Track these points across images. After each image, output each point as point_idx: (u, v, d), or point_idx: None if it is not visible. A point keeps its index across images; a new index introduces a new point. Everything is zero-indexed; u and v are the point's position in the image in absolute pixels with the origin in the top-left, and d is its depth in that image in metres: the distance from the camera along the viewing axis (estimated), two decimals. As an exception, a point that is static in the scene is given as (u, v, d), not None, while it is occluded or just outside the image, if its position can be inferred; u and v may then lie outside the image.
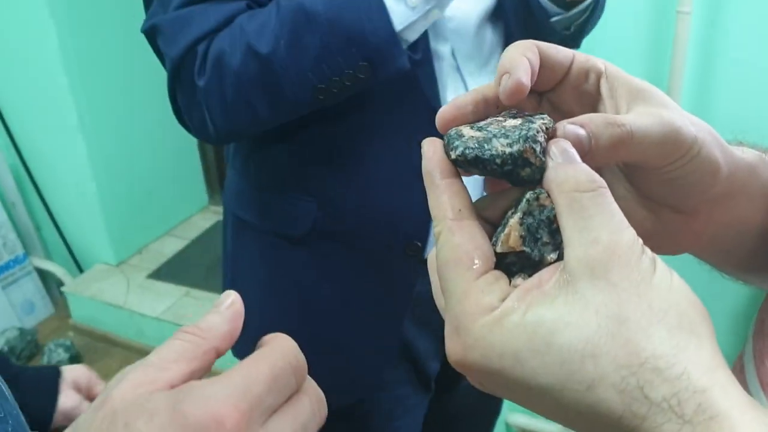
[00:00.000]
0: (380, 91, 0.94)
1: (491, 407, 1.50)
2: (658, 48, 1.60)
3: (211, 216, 3.00)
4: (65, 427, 0.38)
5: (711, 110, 1.61)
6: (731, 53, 1.56)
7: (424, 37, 0.94)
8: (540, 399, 0.30)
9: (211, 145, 0.99)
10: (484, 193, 0.39)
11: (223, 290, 1.22)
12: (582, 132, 0.35)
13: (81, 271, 2.81)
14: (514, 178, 0.35)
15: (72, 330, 2.67)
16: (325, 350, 1.12)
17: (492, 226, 0.36)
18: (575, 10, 1.03)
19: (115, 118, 2.52)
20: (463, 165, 0.35)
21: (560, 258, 0.32)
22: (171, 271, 2.66)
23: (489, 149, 0.34)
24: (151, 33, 0.95)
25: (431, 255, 0.36)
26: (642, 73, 1.63)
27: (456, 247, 0.33)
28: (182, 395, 0.33)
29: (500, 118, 0.37)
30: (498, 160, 0.34)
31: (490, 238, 0.35)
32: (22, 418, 0.46)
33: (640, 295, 0.30)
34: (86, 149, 2.46)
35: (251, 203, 1.13)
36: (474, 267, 0.32)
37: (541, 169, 0.34)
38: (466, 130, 0.36)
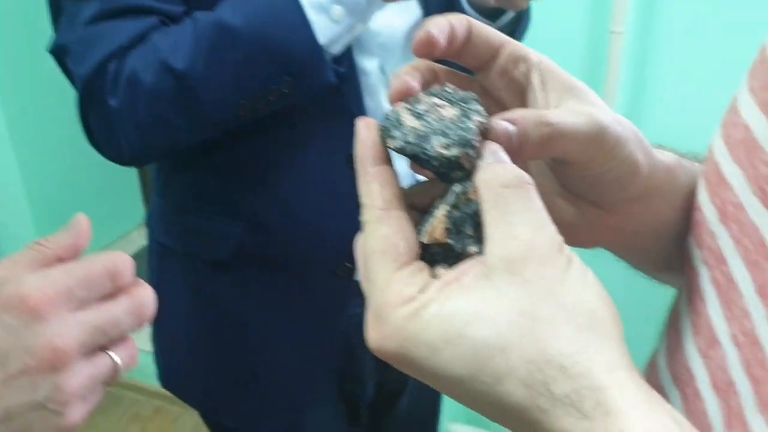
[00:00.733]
0: (304, 107, 0.93)
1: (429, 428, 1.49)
2: (593, 67, 1.63)
3: (149, 232, 2.94)
4: None
5: (643, 126, 1.66)
6: (663, 71, 1.61)
7: (348, 51, 0.93)
8: (453, 388, 0.31)
9: (125, 166, 0.96)
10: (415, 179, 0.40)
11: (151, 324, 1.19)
12: (513, 129, 0.36)
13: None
14: (444, 177, 0.35)
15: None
16: (253, 376, 1.09)
17: (420, 213, 0.37)
18: (502, 21, 1.03)
19: (46, 131, 2.44)
20: (399, 154, 0.36)
21: (482, 251, 0.33)
22: (106, 289, 2.59)
23: (428, 150, 0.34)
24: (58, 52, 0.90)
25: (359, 241, 0.36)
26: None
27: (383, 238, 0.34)
28: (9, 280, 0.44)
29: (437, 101, 0.37)
30: (435, 163, 0.34)
31: (417, 226, 0.35)
32: None
33: (554, 294, 0.31)
34: (17, 163, 2.39)
35: (173, 227, 1.09)
36: (399, 258, 0.33)
37: (471, 172, 0.35)
38: (405, 116, 0.36)
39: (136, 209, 2.98)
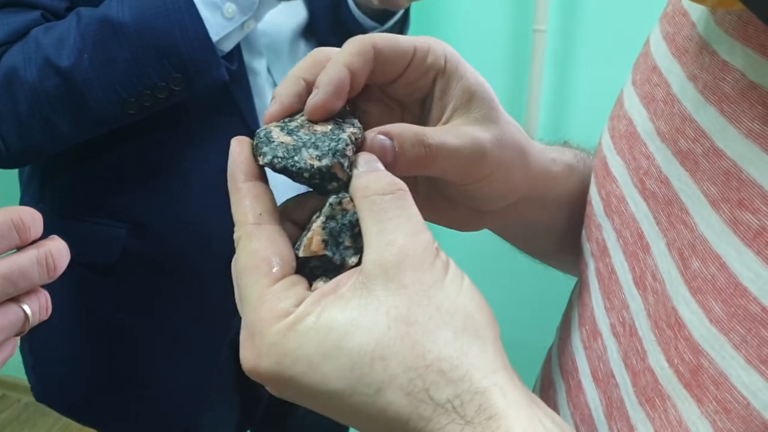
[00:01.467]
0: (192, 105, 0.90)
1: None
2: (517, 64, 1.66)
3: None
4: None
5: (567, 121, 1.70)
6: (585, 68, 1.65)
7: (238, 50, 0.92)
8: (333, 405, 0.30)
9: (2, 168, 0.91)
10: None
11: (28, 333, 1.15)
12: (388, 143, 0.36)
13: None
14: (320, 189, 0.35)
15: None
16: (141, 383, 1.06)
17: (300, 228, 0.36)
18: (389, 23, 1.04)
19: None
20: (271, 170, 0.35)
21: (360, 262, 0.32)
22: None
23: (297, 161, 0.34)
24: None
25: (233, 262, 0.35)
26: (502, 89, 1.69)
27: (253, 253, 0.32)
28: None
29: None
30: (306, 174, 0.34)
31: (296, 242, 0.34)
32: None
33: (430, 298, 0.30)
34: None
35: (51, 232, 1.05)
36: (272, 272, 0.32)
37: (347, 183, 0.34)
38: (276, 133, 0.35)
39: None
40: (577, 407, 0.41)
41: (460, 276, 0.32)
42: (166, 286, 1.02)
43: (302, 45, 1.06)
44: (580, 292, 0.45)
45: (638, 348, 0.35)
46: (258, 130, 0.36)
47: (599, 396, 0.39)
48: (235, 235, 0.34)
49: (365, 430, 0.30)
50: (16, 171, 1.05)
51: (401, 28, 1.08)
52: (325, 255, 0.33)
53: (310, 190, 0.36)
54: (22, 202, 1.06)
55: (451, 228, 0.46)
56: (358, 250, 0.33)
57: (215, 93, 0.88)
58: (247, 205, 0.34)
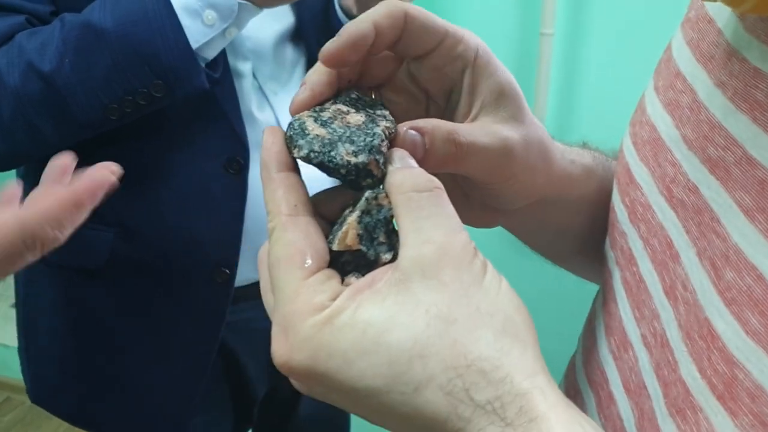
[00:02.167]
0: (178, 109, 0.90)
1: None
2: (523, 68, 1.66)
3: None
4: None
5: (574, 124, 1.70)
6: (592, 72, 1.65)
7: (223, 54, 0.91)
8: (367, 402, 0.29)
9: None
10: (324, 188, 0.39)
11: (18, 332, 1.11)
12: (419, 139, 0.36)
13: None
14: (354, 185, 0.34)
15: None
16: (131, 387, 1.06)
17: (327, 223, 0.36)
18: None
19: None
20: (306, 162, 0.35)
21: (395, 258, 0.32)
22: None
23: (334, 157, 0.34)
24: None
25: (262, 250, 0.35)
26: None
27: (289, 244, 0.32)
28: None
29: (342, 108, 0.37)
30: (343, 170, 0.34)
31: (326, 236, 0.34)
32: None
33: (470, 297, 0.30)
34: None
35: None
36: (306, 265, 0.31)
37: (381, 179, 0.34)
38: (310, 124, 0.35)
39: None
40: (609, 419, 0.40)
41: (498, 277, 0.31)
42: (154, 290, 1.01)
43: (289, 49, 1.06)
44: (604, 300, 0.44)
45: (669, 359, 0.34)
46: (292, 121, 0.36)
47: (632, 407, 0.38)
48: (270, 225, 0.33)
49: (397, 430, 0.30)
50: (13, 171, 1.05)
51: None
52: (359, 250, 0.33)
53: (339, 183, 0.36)
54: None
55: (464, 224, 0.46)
56: (392, 246, 0.33)
57: (200, 97, 0.88)
58: (281, 195, 0.33)
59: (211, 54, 0.87)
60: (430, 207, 0.32)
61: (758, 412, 0.27)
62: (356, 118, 0.36)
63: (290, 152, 0.35)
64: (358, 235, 0.33)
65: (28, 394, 1.15)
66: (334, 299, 0.30)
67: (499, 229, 0.48)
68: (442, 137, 0.36)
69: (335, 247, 0.33)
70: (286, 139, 0.35)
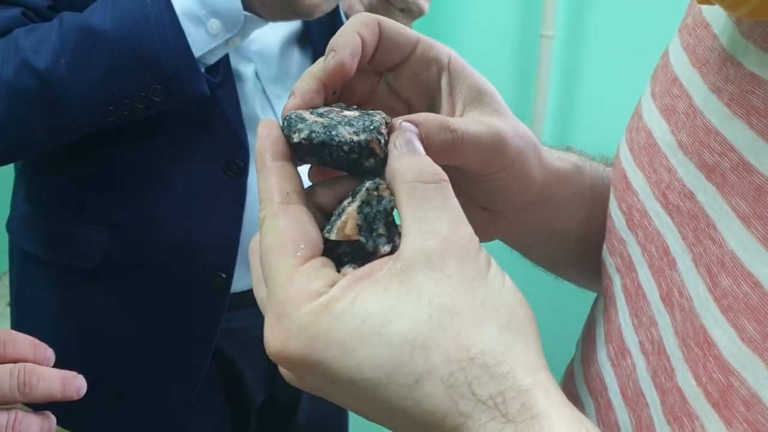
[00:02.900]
0: (178, 111, 0.89)
1: None
2: (524, 70, 1.67)
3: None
4: None
5: (572, 128, 1.70)
6: (592, 74, 1.66)
7: (225, 57, 0.90)
8: (364, 395, 0.28)
9: None
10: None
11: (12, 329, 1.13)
12: (415, 129, 0.35)
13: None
14: (357, 167, 0.34)
15: None
16: (124, 391, 1.05)
17: (323, 214, 0.35)
18: None
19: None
20: (305, 150, 0.34)
21: (393, 251, 0.32)
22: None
23: (336, 135, 0.33)
24: None
25: (253, 241, 0.34)
26: (509, 94, 1.69)
27: (281, 232, 0.31)
28: None
29: (337, 108, 0.36)
30: (346, 147, 0.33)
31: (321, 228, 0.33)
32: None
33: (474, 291, 0.29)
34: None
35: (37, 234, 1.03)
36: (299, 253, 0.31)
37: (383, 161, 0.34)
38: (307, 115, 0.35)
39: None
40: (608, 426, 0.40)
41: (502, 273, 0.31)
42: (149, 292, 1.00)
43: (296, 53, 1.05)
44: (605, 307, 0.44)
45: (666, 366, 0.34)
46: (288, 114, 0.35)
47: (629, 415, 0.38)
48: (261, 214, 0.32)
49: (393, 426, 0.29)
50: (11, 167, 1.04)
51: None
52: (358, 241, 0.32)
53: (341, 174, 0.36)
54: (13, 200, 1.07)
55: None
56: (390, 239, 0.32)
57: (200, 99, 0.87)
58: (274, 183, 0.33)
59: (211, 60, 0.86)
60: (436, 198, 0.31)
61: (753, 421, 0.27)
62: (351, 112, 0.36)
63: (289, 139, 0.34)
64: (358, 225, 0.32)
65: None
66: (331, 286, 0.29)
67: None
68: (436, 126, 0.36)
69: (333, 237, 0.32)
70: (283, 128, 0.35)
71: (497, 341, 0.28)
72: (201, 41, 0.82)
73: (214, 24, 0.82)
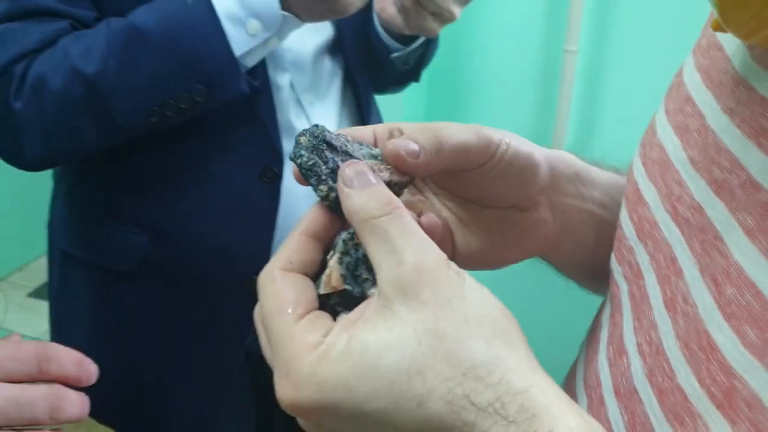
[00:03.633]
0: (217, 117, 0.91)
1: None
2: (547, 85, 1.67)
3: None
4: None
5: (595, 140, 1.70)
6: (615, 89, 1.66)
7: (262, 64, 0.92)
8: (376, 424, 0.30)
9: (26, 170, 0.92)
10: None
11: (51, 331, 1.13)
12: (415, 146, 0.38)
13: (-45, 288, 2.65)
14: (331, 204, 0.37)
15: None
16: (156, 392, 1.06)
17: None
18: (414, 45, 1.05)
19: None
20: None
21: None
22: (55, 290, 2.54)
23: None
24: None
25: (257, 310, 0.36)
26: (531, 107, 1.71)
27: (277, 295, 0.34)
28: None
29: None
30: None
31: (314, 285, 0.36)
32: None
33: (454, 310, 0.31)
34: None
35: (77, 236, 1.05)
36: (296, 311, 0.33)
37: (334, 189, 0.36)
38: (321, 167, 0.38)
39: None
40: (599, 420, 0.41)
41: (479, 285, 0.33)
42: (183, 294, 1.02)
43: (327, 61, 1.06)
44: (611, 313, 0.46)
45: (665, 367, 0.36)
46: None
47: (620, 411, 0.40)
48: (259, 279, 0.35)
49: None
50: (49, 174, 1.06)
51: (425, 48, 1.09)
52: (345, 289, 0.34)
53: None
54: (53, 205, 1.09)
55: (500, 264, 0.47)
56: (375, 280, 0.34)
57: (239, 105, 0.89)
58: (283, 252, 0.36)
59: (251, 62, 0.88)
60: (394, 229, 0.33)
61: (756, 421, 0.29)
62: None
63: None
64: (342, 275, 0.35)
65: None
66: (327, 335, 0.32)
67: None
68: (418, 127, 0.39)
69: (322, 291, 0.35)
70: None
71: (486, 353, 0.30)
72: (241, 41, 0.84)
73: (254, 24, 0.84)
